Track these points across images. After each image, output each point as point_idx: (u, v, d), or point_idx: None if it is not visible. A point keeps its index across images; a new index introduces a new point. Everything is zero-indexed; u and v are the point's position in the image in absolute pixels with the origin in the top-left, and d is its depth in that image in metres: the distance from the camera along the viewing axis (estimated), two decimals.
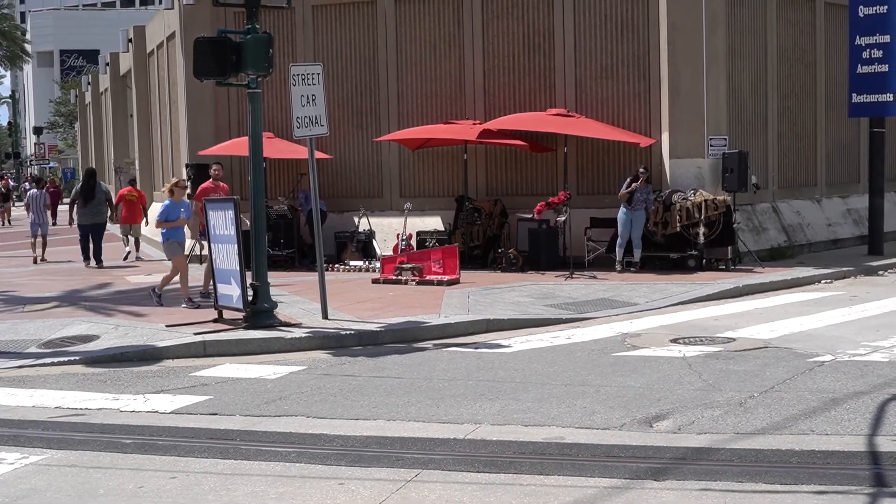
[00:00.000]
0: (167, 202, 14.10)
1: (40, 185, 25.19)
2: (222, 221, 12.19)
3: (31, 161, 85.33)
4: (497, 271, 17.28)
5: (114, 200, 22.46)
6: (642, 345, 10.62)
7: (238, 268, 11.85)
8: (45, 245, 22.64)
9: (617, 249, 16.99)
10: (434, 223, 19.05)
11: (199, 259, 17.00)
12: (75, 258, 21.62)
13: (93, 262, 20.70)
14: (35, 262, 22.04)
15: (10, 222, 40.74)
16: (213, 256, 12.49)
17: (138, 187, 25.01)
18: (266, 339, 11.30)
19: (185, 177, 18.41)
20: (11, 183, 57.35)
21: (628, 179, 16.90)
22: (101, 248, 20.91)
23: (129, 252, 22.45)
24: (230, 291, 12.12)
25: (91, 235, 20.80)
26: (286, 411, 8.21)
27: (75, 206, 21.09)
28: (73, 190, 22.35)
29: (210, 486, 6.23)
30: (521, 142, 17.91)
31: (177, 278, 14.17)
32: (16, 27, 62.65)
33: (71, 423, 8.07)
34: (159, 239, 14.99)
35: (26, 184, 56.98)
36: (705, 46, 17.47)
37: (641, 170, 16.84)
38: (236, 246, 11.86)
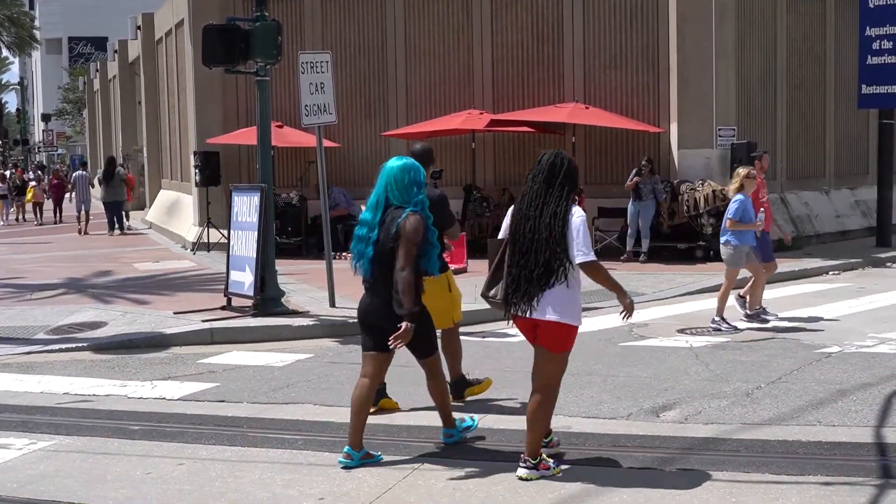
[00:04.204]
0: (740, 197, 10.93)
1: (85, 168, 29.51)
2: (246, 208, 12.16)
3: (39, 148, 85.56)
4: None
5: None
6: (649, 335, 10.62)
7: (255, 255, 11.86)
8: (87, 220, 25.89)
9: (627, 239, 17.00)
10: None
11: None
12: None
13: (116, 231, 25.08)
14: (80, 233, 25.34)
15: (24, 218, 33.67)
16: (232, 243, 12.48)
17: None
18: (273, 327, 11.32)
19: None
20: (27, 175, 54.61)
21: (634, 170, 16.88)
22: (123, 220, 25.65)
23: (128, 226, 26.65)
24: (243, 279, 12.11)
25: (112, 210, 25.25)
26: (293, 399, 8.23)
27: (100, 186, 25.65)
28: (98, 173, 27.71)
29: (217, 473, 6.25)
30: (528, 128, 17.89)
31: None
32: (24, 13, 62.49)
33: (79, 409, 8.10)
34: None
35: (30, 173, 57.03)
36: (715, 37, 17.42)
37: (644, 161, 16.79)
38: (257, 233, 11.86)
